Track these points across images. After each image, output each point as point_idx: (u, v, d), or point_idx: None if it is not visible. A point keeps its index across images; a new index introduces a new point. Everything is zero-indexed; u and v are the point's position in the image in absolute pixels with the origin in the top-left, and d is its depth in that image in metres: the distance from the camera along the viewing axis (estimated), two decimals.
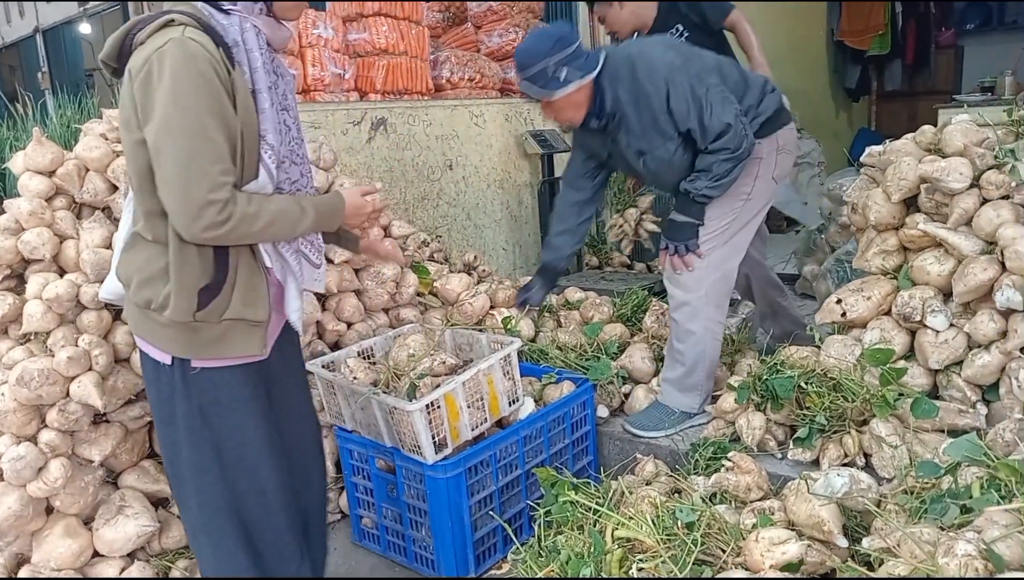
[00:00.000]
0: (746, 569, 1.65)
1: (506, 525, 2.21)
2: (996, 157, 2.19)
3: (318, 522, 1.97)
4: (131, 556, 2.24)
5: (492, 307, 3.20)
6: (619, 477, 2.16)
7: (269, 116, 1.57)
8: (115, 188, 2.46)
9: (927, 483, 1.76)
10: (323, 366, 2.46)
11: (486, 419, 2.34)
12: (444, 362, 2.40)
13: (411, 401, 2.15)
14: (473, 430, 2.29)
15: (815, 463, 2.22)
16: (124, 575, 2.20)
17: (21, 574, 2.14)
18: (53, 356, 2.11)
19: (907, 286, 2.30)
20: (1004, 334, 2.08)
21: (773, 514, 1.79)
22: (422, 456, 2.17)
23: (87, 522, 2.21)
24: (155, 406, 1.70)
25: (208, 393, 1.62)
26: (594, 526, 1.85)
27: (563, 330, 3.13)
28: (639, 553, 1.73)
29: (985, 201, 2.17)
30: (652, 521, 1.77)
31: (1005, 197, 2.14)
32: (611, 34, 3.97)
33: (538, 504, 2.07)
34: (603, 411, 2.77)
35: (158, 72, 1.43)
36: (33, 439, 2.10)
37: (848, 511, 1.79)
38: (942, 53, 7.66)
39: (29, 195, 2.36)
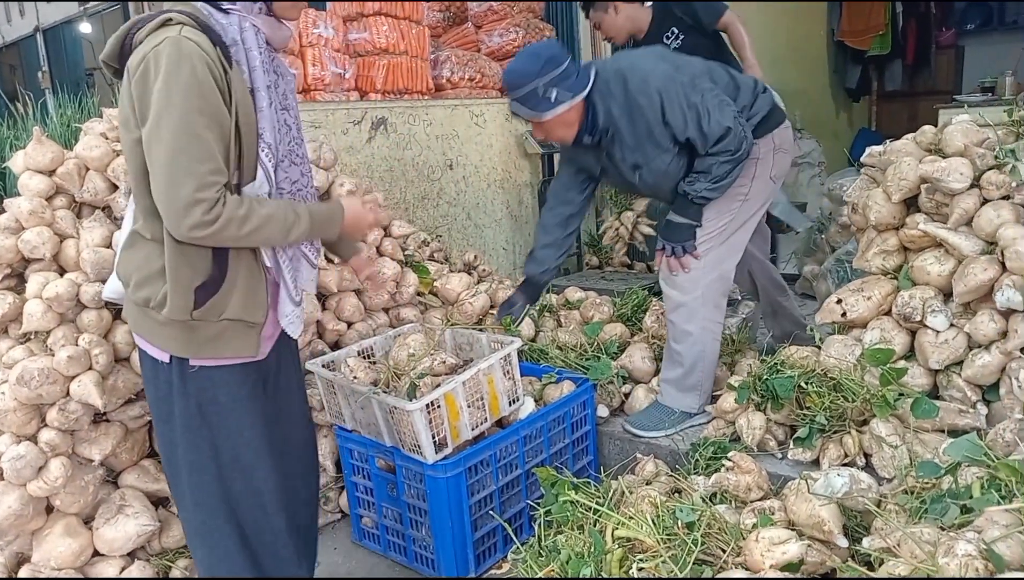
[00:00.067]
0: (746, 569, 1.65)
1: (506, 525, 2.21)
2: (996, 157, 2.19)
3: (309, 524, 1.97)
4: (131, 555, 2.24)
5: (492, 307, 3.20)
6: (619, 477, 2.16)
7: (267, 115, 1.57)
8: (115, 187, 2.46)
9: (927, 483, 1.76)
10: (323, 365, 2.46)
11: (486, 419, 2.34)
12: (444, 362, 2.40)
13: (411, 401, 2.15)
14: (473, 430, 2.29)
15: (815, 463, 2.22)
16: (124, 574, 2.20)
17: (21, 573, 2.15)
18: (53, 355, 2.11)
19: (907, 286, 2.30)
20: (1004, 334, 2.08)
21: (773, 514, 1.79)
22: (422, 456, 2.17)
23: (87, 521, 2.21)
24: (153, 404, 1.70)
25: (206, 392, 1.62)
26: (594, 526, 1.85)
27: (563, 330, 3.13)
28: (639, 553, 1.73)
29: (985, 201, 2.17)
30: (652, 521, 1.77)
31: (1005, 197, 2.14)
32: (607, 39, 4.00)
33: (538, 504, 2.07)
34: (603, 411, 2.77)
35: (154, 71, 1.44)
36: (33, 438, 2.10)
37: (848, 511, 1.79)
38: (942, 53, 7.64)
39: (29, 194, 2.36)
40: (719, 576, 1.66)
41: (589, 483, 2.09)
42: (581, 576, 1.71)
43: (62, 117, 3.13)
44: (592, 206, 5.06)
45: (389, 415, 2.21)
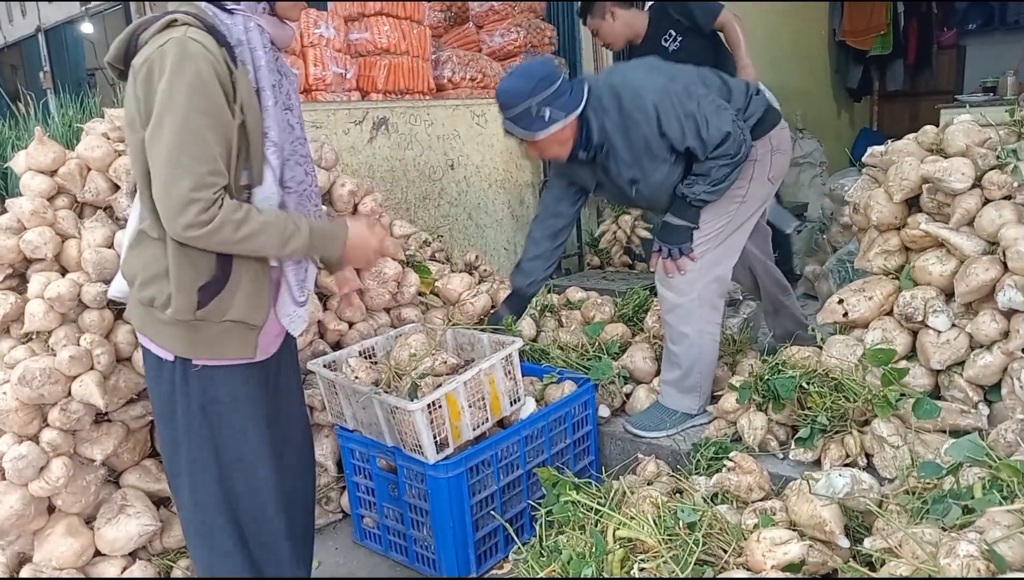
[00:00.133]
0: (748, 569, 1.65)
1: (507, 525, 2.21)
2: (998, 157, 2.19)
3: (307, 525, 1.97)
4: (133, 555, 2.25)
5: (493, 306, 3.20)
6: (620, 477, 2.16)
7: (272, 114, 1.58)
8: (117, 187, 2.46)
9: (929, 483, 1.76)
10: (324, 365, 2.46)
11: (487, 419, 2.34)
12: (445, 362, 2.40)
13: (412, 401, 2.15)
14: (474, 430, 2.29)
15: (817, 463, 2.22)
16: (126, 574, 2.20)
17: (23, 573, 2.15)
18: (55, 355, 2.11)
19: (909, 286, 2.30)
20: (1006, 334, 2.08)
21: (775, 514, 1.78)
22: (423, 456, 2.17)
23: (88, 521, 2.22)
24: (156, 403, 1.70)
25: (209, 391, 1.63)
26: (596, 526, 1.85)
27: (564, 330, 3.13)
28: (641, 553, 1.73)
29: (987, 201, 2.16)
30: (654, 521, 1.77)
31: (1007, 197, 2.14)
32: (605, 46, 4.02)
33: (539, 504, 2.07)
34: (604, 411, 2.77)
35: (158, 71, 1.45)
36: (35, 438, 2.11)
37: (850, 511, 1.79)
38: (944, 53, 7.64)
39: (31, 194, 2.36)
40: (720, 576, 1.66)
41: (590, 483, 2.09)
42: (582, 576, 1.71)
43: (64, 117, 3.14)
44: (592, 209, 5.08)
45: (390, 415, 2.21)
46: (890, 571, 1.49)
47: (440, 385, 2.22)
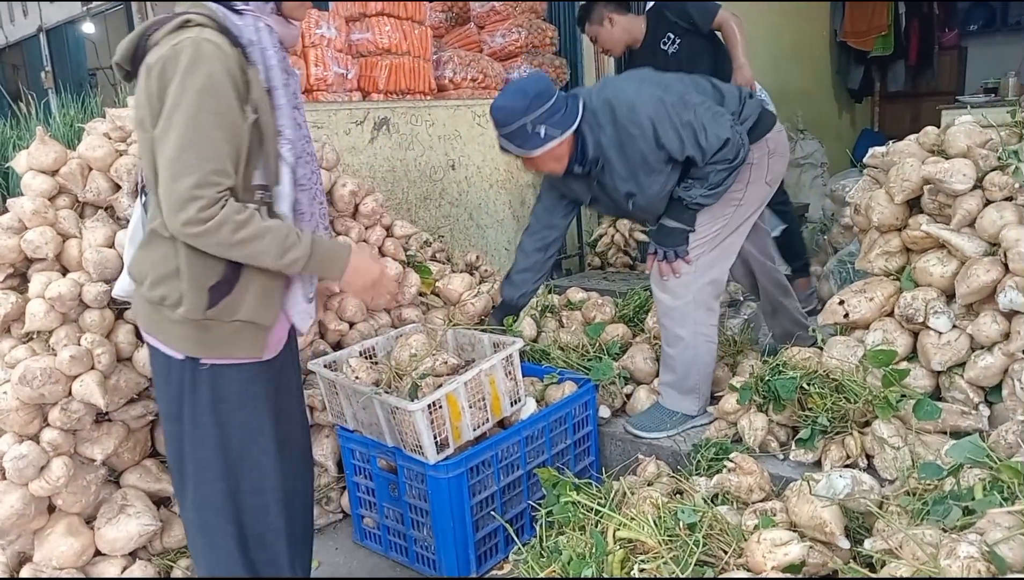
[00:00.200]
0: (748, 570, 1.65)
1: (508, 525, 2.21)
2: (999, 158, 2.19)
3: (307, 525, 1.97)
4: (133, 555, 2.25)
5: (494, 307, 3.20)
6: (621, 478, 2.16)
7: (286, 112, 1.60)
8: (118, 187, 2.46)
9: (929, 485, 1.76)
10: (325, 366, 2.46)
11: (488, 419, 2.33)
12: (446, 362, 2.40)
13: (413, 401, 2.15)
14: (475, 430, 2.29)
15: (817, 464, 2.22)
16: (126, 574, 2.20)
17: (23, 573, 2.15)
18: (55, 355, 2.11)
19: (910, 287, 2.30)
20: (1007, 336, 2.07)
21: (775, 515, 1.78)
22: (424, 456, 2.17)
23: (89, 521, 2.22)
24: (163, 403, 1.71)
25: (217, 390, 1.63)
26: (596, 527, 1.86)
27: (565, 330, 3.13)
28: (641, 554, 1.73)
29: (988, 202, 2.16)
30: (654, 522, 1.77)
31: (1008, 199, 2.13)
32: (604, 52, 4.04)
33: (540, 504, 2.07)
34: (605, 412, 2.77)
35: (171, 70, 1.45)
36: (35, 438, 2.11)
37: (850, 512, 1.79)
38: (945, 54, 7.64)
39: (32, 194, 2.36)
40: (721, 577, 1.66)
41: (591, 484, 2.09)
42: (583, 577, 1.71)
43: (65, 117, 3.14)
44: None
45: (391, 415, 2.21)
46: (890, 572, 1.49)
47: (441, 385, 2.22)
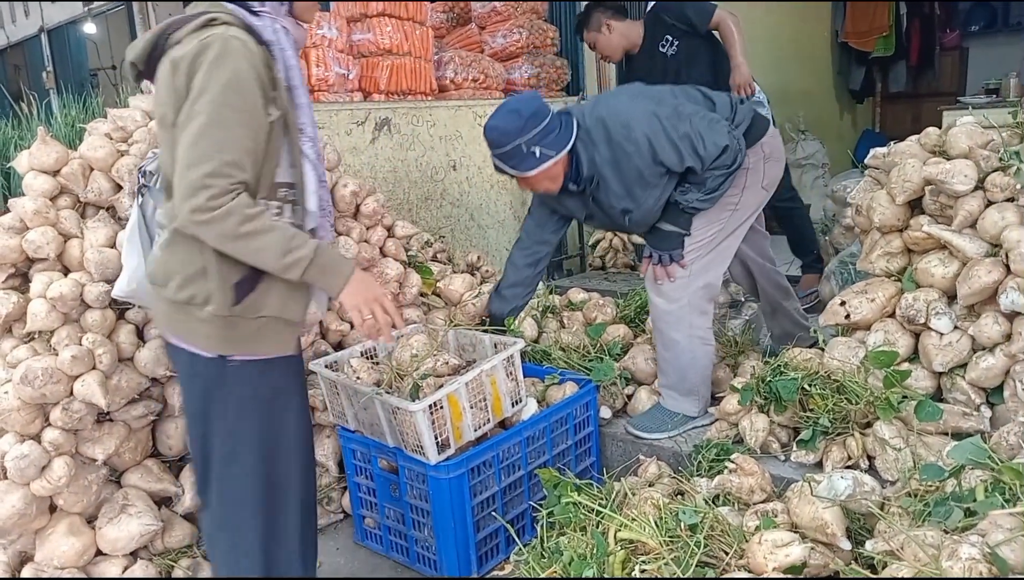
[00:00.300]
0: (749, 571, 1.65)
1: (508, 526, 2.21)
2: (1001, 159, 2.19)
3: (314, 524, 1.98)
4: (134, 555, 2.25)
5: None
6: (622, 478, 2.16)
7: (307, 111, 1.62)
8: (119, 187, 2.46)
9: (931, 486, 1.76)
10: (326, 366, 2.46)
11: (489, 420, 2.34)
12: (447, 362, 2.40)
13: (414, 401, 2.15)
14: (476, 431, 2.29)
15: (818, 465, 2.22)
16: (127, 574, 2.20)
17: (24, 572, 2.15)
18: (57, 355, 2.12)
19: (911, 288, 2.29)
20: (1008, 337, 2.07)
21: (776, 516, 1.78)
22: (425, 456, 2.17)
23: (90, 521, 2.22)
24: (189, 401, 1.72)
25: (247, 385, 1.64)
26: (597, 527, 1.85)
27: (566, 331, 3.13)
28: (642, 555, 1.73)
29: (990, 203, 2.16)
30: (655, 523, 1.77)
31: (1010, 199, 2.13)
32: (603, 59, 4.05)
33: (541, 505, 2.07)
34: (606, 412, 2.77)
35: (199, 63, 1.46)
36: (37, 438, 2.11)
37: (851, 514, 1.79)
38: (947, 55, 7.63)
39: (34, 194, 2.36)
40: (722, 578, 1.66)
41: (592, 484, 2.09)
42: (584, 577, 1.71)
43: (66, 117, 3.14)
44: None
45: (392, 416, 2.21)
46: (892, 574, 1.49)
47: (442, 386, 2.22)
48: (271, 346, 1.64)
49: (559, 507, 1.98)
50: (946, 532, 1.55)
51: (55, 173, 2.43)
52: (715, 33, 3.61)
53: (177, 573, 2.28)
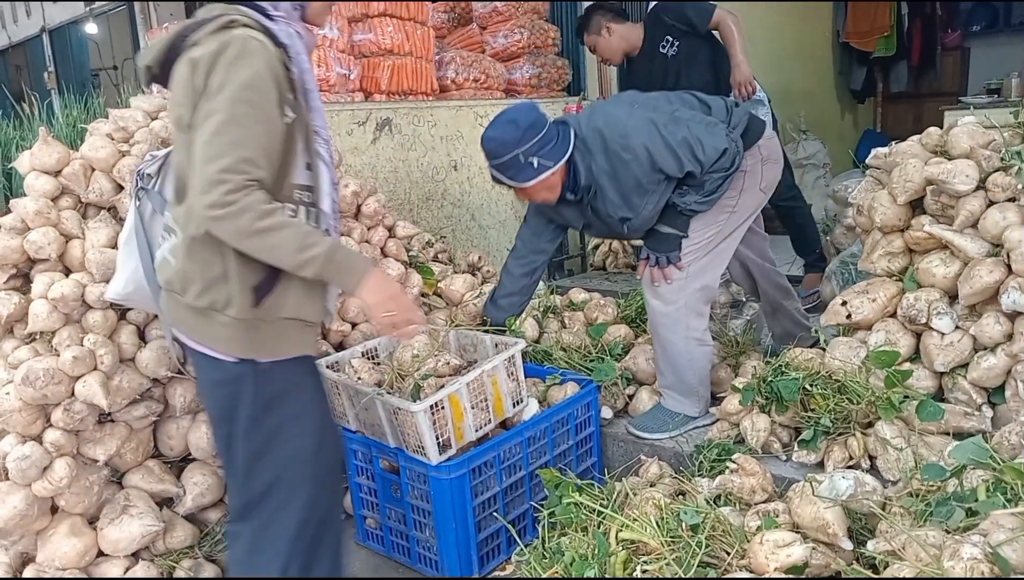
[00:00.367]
0: (750, 571, 1.65)
1: (510, 526, 2.21)
2: (1002, 159, 2.18)
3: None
4: (135, 556, 2.25)
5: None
6: (623, 479, 2.16)
7: (321, 113, 1.64)
8: (121, 188, 2.47)
9: (932, 486, 1.76)
10: (327, 366, 2.46)
11: (490, 420, 2.34)
12: (448, 363, 2.40)
13: (415, 402, 2.15)
14: (477, 431, 2.29)
15: (820, 465, 2.22)
16: (128, 575, 2.20)
17: (26, 573, 2.15)
18: (58, 355, 2.12)
19: (913, 288, 2.29)
20: (1010, 336, 2.07)
21: (777, 516, 1.78)
22: (426, 457, 2.17)
23: (92, 521, 2.22)
24: (213, 405, 1.72)
25: (273, 385, 1.64)
26: (598, 528, 1.86)
27: (567, 331, 3.13)
28: (643, 555, 1.73)
29: (991, 203, 2.16)
30: (656, 523, 1.77)
31: (1011, 199, 2.13)
32: (604, 62, 4.06)
33: (542, 505, 2.07)
34: (607, 412, 2.77)
35: (218, 62, 1.47)
36: (38, 438, 2.11)
37: (853, 514, 1.79)
38: (948, 55, 7.62)
39: (35, 195, 2.36)
40: (723, 578, 1.66)
41: (593, 485, 2.09)
42: (585, 578, 1.71)
43: (68, 118, 3.15)
44: None
45: (393, 416, 2.21)
46: (893, 574, 1.49)
47: (443, 386, 2.23)
48: (292, 347, 1.65)
49: (560, 507, 1.99)
50: (948, 532, 1.55)
51: (56, 173, 2.43)
52: (715, 33, 3.61)
53: (179, 574, 2.28)
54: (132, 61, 6.62)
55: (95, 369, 2.15)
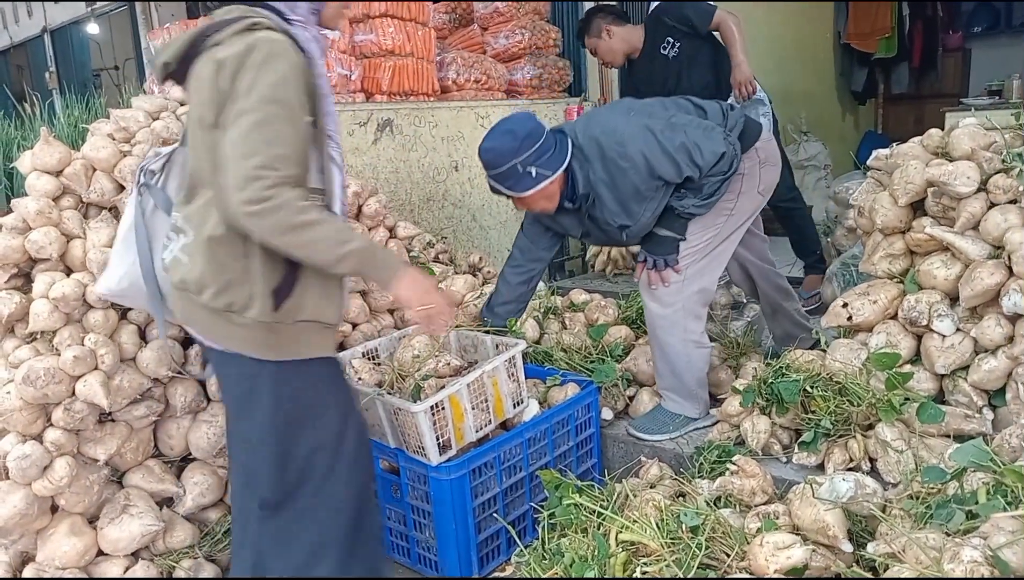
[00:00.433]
0: (750, 573, 1.65)
1: (510, 527, 2.21)
2: (1004, 161, 2.18)
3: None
4: (135, 555, 2.25)
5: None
6: (623, 480, 2.16)
7: (334, 117, 1.64)
8: (122, 188, 2.47)
9: (933, 488, 1.76)
10: None
11: (490, 421, 2.34)
12: (449, 363, 2.40)
13: (416, 402, 2.15)
14: (477, 432, 2.29)
15: (820, 467, 2.22)
16: (128, 574, 2.20)
17: (26, 573, 2.15)
18: (59, 355, 2.12)
19: (913, 290, 2.29)
20: (1011, 339, 2.07)
21: (778, 518, 1.78)
22: (426, 457, 2.17)
23: (92, 521, 2.22)
24: (232, 403, 1.73)
25: (292, 383, 1.64)
26: (598, 529, 1.86)
27: (568, 332, 3.13)
28: (643, 556, 1.73)
29: (992, 205, 2.16)
30: (656, 524, 1.77)
31: (1013, 201, 2.13)
32: (605, 64, 4.07)
33: (542, 506, 2.07)
34: (607, 414, 2.77)
35: (246, 64, 1.47)
36: (39, 438, 2.11)
37: (853, 516, 1.79)
38: (949, 56, 7.62)
39: (36, 194, 2.36)
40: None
41: (593, 486, 2.09)
42: (585, 579, 1.71)
43: (69, 118, 3.15)
44: None
45: (393, 416, 2.21)
46: (893, 575, 1.49)
47: (443, 387, 2.23)
48: (310, 349, 1.65)
49: (560, 508, 1.99)
50: (948, 535, 1.55)
51: (58, 173, 2.43)
52: (716, 34, 3.61)
53: (179, 574, 2.28)
54: (133, 61, 6.63)
55: (96, 369, 2.15)
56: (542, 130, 2.28)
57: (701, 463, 2.32)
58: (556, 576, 1.78)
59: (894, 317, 2.34)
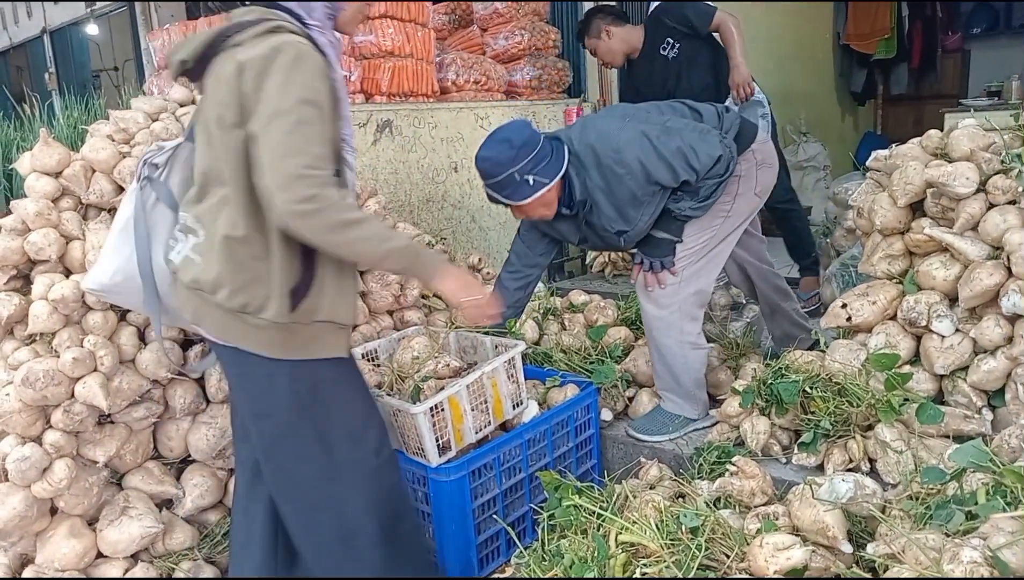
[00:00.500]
0: (750, 574, 1.65)
1: (509, 528, 2.21)
2: (1003, 162, 2.18)
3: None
4: (135, 557, 2.25)
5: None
6: (623, 481, 2.16)
7: (349, 122, 1.66)
8: (121, 189, 2.46)
9: (932, 489, 1.76)
10: None
11: (490, 422, 2.34)
12: (448, 365, 2.40)
13: (415, 403, 2.15)
14: (477, 433, 2.29)
15: (820, 468, 2.22)
16: (127, 576, 2.20)
17: (25, 574, 2.15)
18: (58, 357, 2.12)
19: (913, 291, 2.29)
20: (1010, 339, 2.07)
21: (777, 519, 1.78)
22: (426, 459, 2.17)
23: (91, 523, 2.22)
24: (247, 403, 1.73)
25: (306, 381, 1.65)
26: (598, 530, 1.85)
27: (567, 333, 3.13)
28: (643, 558, 1.73)
29: (991, 206, 2.16)
30: (656, 526, 1.77)
31: (1012, 202, 2.13)
32: (605, 65, 4.07)
33: (542, 508, 2.07)
34: (607, 414, 2.77)
35: (273, 67, 1.48)
36: (38, 440, 2.11)
37: (853, 517, 1.79)
38: (948, 57, 7.63)
39: (35, 196, 2.36)
40: None
41: (593, 487, 2.09)
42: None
43: (69, 119, 3.15)
44: None
45: (393, 418, 2.21)
46: (893, 576, 1.49)
47: (443, 388, 2.22)
48: (325, 350, 1.66)
49: (560, 510, 1.99)
50: (947, 535, 1.55)
51: (57, 175, 2.43)
52: (716, 35, 3.62)
53: (178, 575, 2.28)
54: (133, 62, 6.63)
55: (95, 370, 2.15)
56: (538, 138, 2.28)
57: (701, 464, 2.32)
58: (556, 577, 1.78)
59: (893, 318, 2.34)
